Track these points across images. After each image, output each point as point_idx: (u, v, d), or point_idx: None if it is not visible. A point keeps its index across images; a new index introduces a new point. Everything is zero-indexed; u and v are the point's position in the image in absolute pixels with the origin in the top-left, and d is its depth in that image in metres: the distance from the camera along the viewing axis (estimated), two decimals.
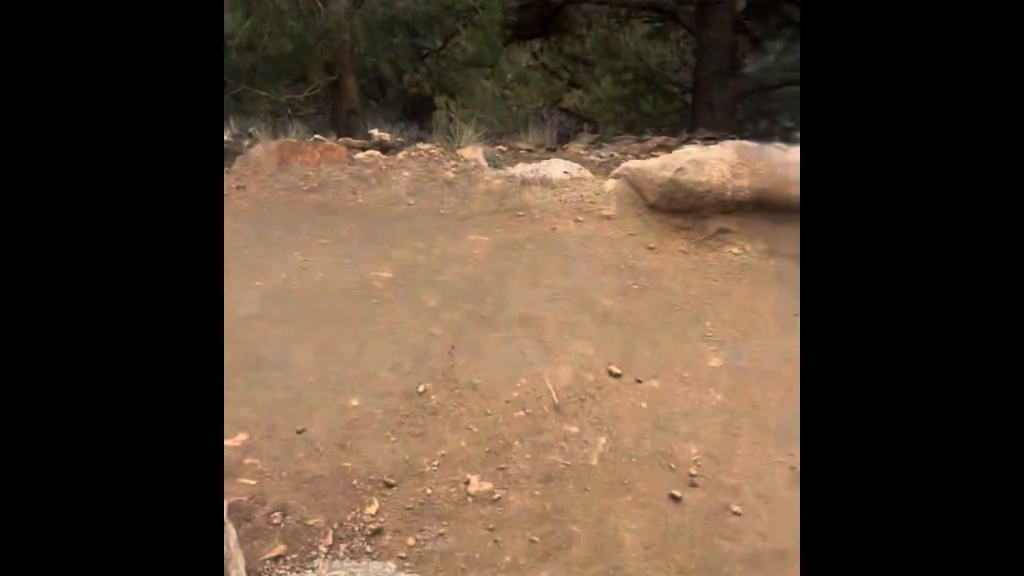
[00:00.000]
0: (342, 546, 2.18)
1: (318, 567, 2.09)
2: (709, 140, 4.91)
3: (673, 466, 2.54)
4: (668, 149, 4.64)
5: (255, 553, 2.10)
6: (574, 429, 2.66)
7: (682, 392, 2.89)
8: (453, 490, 2.38)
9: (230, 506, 2.15)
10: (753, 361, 3.09)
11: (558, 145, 5.46)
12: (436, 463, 2.48)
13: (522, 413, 2.71)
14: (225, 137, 5.25)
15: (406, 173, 4.43)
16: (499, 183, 4.29)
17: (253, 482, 2.35)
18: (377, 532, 2.22)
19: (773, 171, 3.93)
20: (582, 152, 5.13)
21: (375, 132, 5.88)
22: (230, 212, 4.00)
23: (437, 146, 4.70)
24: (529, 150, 5.20)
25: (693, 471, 2.52)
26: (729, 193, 3.92)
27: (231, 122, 5.68)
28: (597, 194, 4.15)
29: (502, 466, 2.48)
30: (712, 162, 3.94)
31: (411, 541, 2.21)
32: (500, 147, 5.15)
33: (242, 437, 2.51)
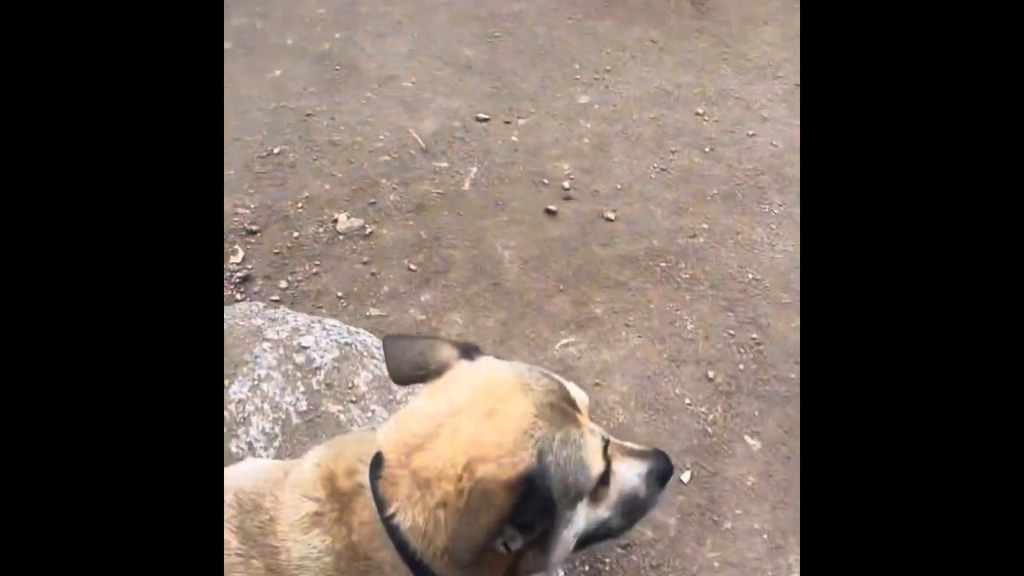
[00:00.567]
0: None
1: None
2: None
3: (547, 182, 2.51)
4: None
5: None
6: (444, 164, 2.56)
7: (552, 126, 2.81)
8: (322, 230, 2.27)
9: None
10: (621, 94, 3.02)
11: None
12: (300, 205, 2.33)
13: (388, 158, 2.57)
14: None
15: None
16: None
17: None
18: (246, 279, 2.11)
19: None
20: None
21: None
22: None
23: None
24: None
25: (566, 185, 2.50)
26: None
27: None
28: None
29: (372, 201, 2.37)
30: None
31: (283, 284, 2.12)
32: None
33: None
